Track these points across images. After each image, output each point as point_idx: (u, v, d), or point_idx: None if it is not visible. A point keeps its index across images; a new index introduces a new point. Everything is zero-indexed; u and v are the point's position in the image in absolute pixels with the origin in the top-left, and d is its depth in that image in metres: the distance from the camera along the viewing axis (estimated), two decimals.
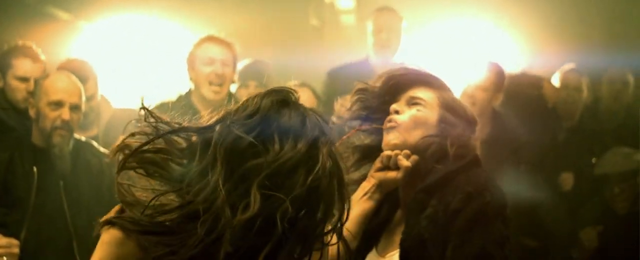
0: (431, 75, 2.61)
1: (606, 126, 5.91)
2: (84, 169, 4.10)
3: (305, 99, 4.94)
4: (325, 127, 1.93)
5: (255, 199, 1.79)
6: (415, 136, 2.46)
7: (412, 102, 2.51)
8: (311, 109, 1.96)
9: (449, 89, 2.59)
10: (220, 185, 1.80)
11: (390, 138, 2.47)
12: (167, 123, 1.93)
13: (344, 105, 2.79)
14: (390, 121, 2.48)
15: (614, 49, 6.24)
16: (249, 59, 5.55)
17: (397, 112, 2.49)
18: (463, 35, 6.68)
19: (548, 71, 5.73)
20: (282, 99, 1.92)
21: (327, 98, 5.11)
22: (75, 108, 4.03)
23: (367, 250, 2.52)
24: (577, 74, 5.70)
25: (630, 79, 5.92)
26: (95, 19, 6.53)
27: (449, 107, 2.51)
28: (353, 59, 5.59)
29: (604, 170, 5.45)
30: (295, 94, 1.97)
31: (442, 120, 2.48)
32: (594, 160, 5.58)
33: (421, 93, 2.53)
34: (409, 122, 2.47)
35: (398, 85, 2.57)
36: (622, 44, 6.34)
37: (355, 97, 2.68)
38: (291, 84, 5.06)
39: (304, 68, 6.04)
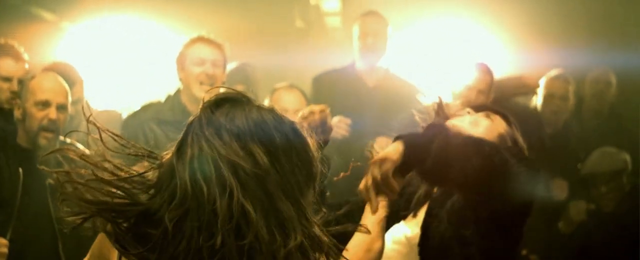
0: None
1: (589, 125, 5.94)
2: None
3: (294, 100, 4.96)
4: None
5: None
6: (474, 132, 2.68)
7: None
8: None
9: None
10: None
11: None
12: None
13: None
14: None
15: (597, 49, 6.25)
16: (235, 61, 5.55)
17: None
18: (448, 36, 6.70)
19: (532, 71, 5.73)
20: None
21: (314, 103, 5.10)
22: (62, 108, 4.02)
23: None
24: (563, 81, 5.65)
25: (613, 79, 5.95)
26: (80, 20, 6.51)
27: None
28: (339, 64, 5.59)
29: (591, 170, 5.48)
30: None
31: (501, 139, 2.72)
32: (579, 165, 5.60)
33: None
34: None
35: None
36: (606, 44, 6.36)
37: None
38: (280, 85, 5.10)
39: (290, 70, 6.06)
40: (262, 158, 1.67)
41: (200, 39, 4.55)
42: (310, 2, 7.39)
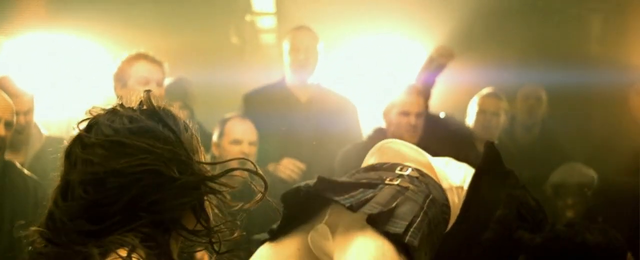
0: None
1: (522, 142, 6.04)
2: (9, 190, 4.06)
3: (248, 131, 4.96)
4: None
5: None
6: None
7: None
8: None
9: None
10: None
11: None
12: None
13: None
14: None
15: (528, 67, 6.37)
16: (170, 77, 5.54)
17: None
18: (381, 52, 6.74)
19: (465, 88, 5.82)
20: None
21: None
22: (8, 125, 3.97)
23: None
24: (494, 98, 5.78)
25: (544, 95, 6.06)
26: (15, 34, 6.42)
27: None
28: (269, 81, 5.57)
29: (560, 180, 5.55)
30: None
31: None
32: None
33: None
34: None
35: None
36: (536, 62, 6.48)
37: None
38: (230, 115, 5.08)
39: (225, 86, 6.06)
40: None
41: (142, 57, 4.52)
42: (246, 19, 7.40)
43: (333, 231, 2.67)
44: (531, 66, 6.41)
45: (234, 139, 4.95)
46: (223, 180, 1.90)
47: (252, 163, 1.98)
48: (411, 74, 5.80)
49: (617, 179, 5.61)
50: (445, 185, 2.88)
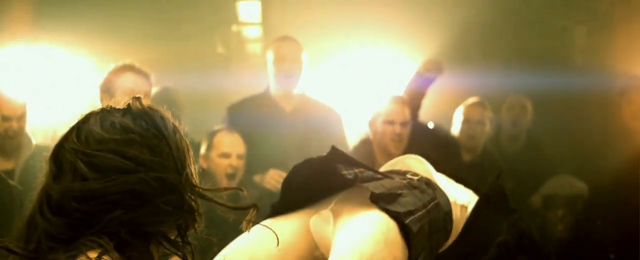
0: None
1: (507, 152, 6.05)
2: None
3: (236, 144, 4.95)
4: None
5: None
6: None
7: None
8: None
9: None
10: None
11: None
12: None
13: None
14: None
15: (513, 77, 6.40)
16: (156, 86, 5.53)
17: None
18: (367, 64, 6.74)
19: (450, 98, 5.84)
20: None
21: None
22: None
23: None
24: (480, 107, 5.81)
25: (529, 104, 6.09)
26: (1, 45, 6.42)
27: None
28: (255, 90, 5.54)
29: (551, 192, 5.57)
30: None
31: None
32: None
33: None
34: None
35: None
36: (521, 72, 6.51)
37: None
38: (219, 128, 5.08)
39: (211, 96, 6.05)
40: None
41: (129, 68, 4.48)
42: (232, 29, 7.40)
43: (336, 218, 2.71)
44: (516, 76, 6.44)
45: (222, 152, 4.94)
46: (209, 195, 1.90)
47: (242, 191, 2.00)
48: (396, 84, 5.82)
49: (608, 187, 5.63)
50: (450, 198, 2.91)
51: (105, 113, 1.90)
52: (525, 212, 5.60)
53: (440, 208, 2.80)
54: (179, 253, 1.86)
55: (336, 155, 2.80)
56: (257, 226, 2.47)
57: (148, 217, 1.79)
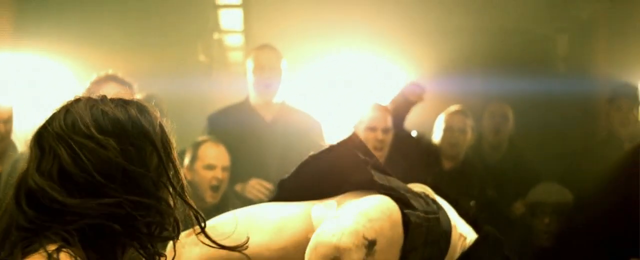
0: None
1: (489, 161, 6.06)
2: None
3: (221, 156, 4.91)
4: None
5: None
6: None
7: None
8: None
9: None
10: None
11: None
12: None
13: None
14: None
15: (495, 85, 6.41)
16: (139, 94, 5.51)
17: None
18: (349, 71, 6.75)
19: (432, 106, 5.84)
20: None
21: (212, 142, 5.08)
22: None
23: None
24: (461, 115, 5.80)
25: (510, 113, 6.09)
26: None
27: None
28: (237, 98, 5.51)
29: (537, 199, 5.57)
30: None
31: None
32: (472, 203, 5.69)
33: None
34: None
35: None
36: (502, 80, 6.52)
37: None
38: (203, 139, 5.05)
39: (193, 104, 6.04)
40: None
41: (112, 79, 4.46)
42: (214, 37, 7.39)
43: (339, 205, 2.82)
44: (498, 84, 6.45)
45: (207, 163, 4.89)
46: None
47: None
48: (377, 89, 5.82)
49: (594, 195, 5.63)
50: (452, 222, 2.97)
51: (96, 101, 1.85)
52: (507, 220, 5.62)
53: (440, 224, 2.87)
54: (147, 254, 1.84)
55: (355, 141, 2.94)
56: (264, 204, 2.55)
57: (121, 221, 1.78)
